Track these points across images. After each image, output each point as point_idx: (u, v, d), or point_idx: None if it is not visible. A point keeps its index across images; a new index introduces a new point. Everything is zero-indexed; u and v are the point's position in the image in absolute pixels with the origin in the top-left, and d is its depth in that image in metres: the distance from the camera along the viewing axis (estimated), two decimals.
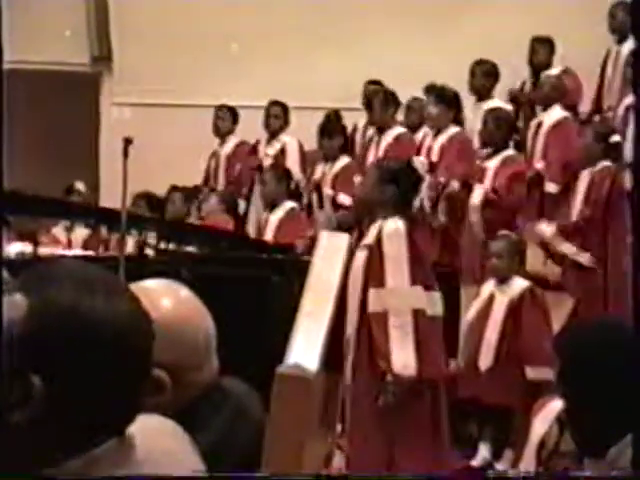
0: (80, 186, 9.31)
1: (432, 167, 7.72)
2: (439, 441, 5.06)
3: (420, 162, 5.37)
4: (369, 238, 5.00)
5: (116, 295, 1.47)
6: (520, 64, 9.36)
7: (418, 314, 4.85)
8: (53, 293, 1.42)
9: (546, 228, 7.02)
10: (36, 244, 7.57)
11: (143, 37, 10.26)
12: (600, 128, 7.24)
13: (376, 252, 4.92)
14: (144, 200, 8.50)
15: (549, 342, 5.90)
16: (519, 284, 6.18)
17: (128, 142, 5.84)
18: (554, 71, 8.96)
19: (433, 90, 8.29)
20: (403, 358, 4.78)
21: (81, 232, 8.79)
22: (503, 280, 6.20)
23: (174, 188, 8.69)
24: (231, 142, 9.30)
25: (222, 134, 9.32)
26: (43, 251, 7.44)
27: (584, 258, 6.81)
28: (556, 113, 8.32)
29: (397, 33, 10.22)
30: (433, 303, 4.95)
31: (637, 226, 2.60)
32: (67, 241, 8.84)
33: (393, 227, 4.94)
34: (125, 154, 5.81)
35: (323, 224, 7.32)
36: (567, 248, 6.87)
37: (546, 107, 8.39)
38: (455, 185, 7.64)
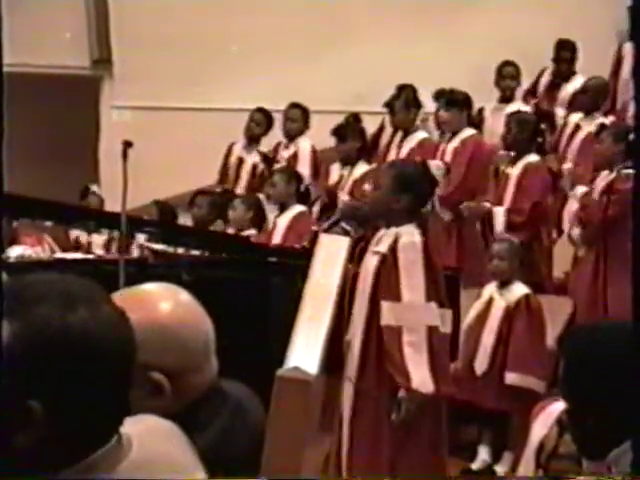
0: (95, 188, 9.33)
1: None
2: (439, 453, 5.04)
3: (436, 166, 5.27)
4: (382, 246, 4.89)
5: (98, 305, 1.47)
6: (521, 65, 9.36)
7: (432, 331, 4.77)
8: (36, 314, 1.42)
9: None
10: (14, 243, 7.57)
11: (143, 40, 10.26)
12: (617, 130, 7.14)
13: (390, 263, 4.82)
14: (156, 207, 8.48)
15: (535, 352, 5.96)
16: (518, 290, 6.18)
17: (128, 145, 5.84)
18: (579, 80, 8.90)
19: (443, 95, 8.26)
20: (420, 375, 4.72)
21: (99, 236, 8.77)
22: (504, 283, 6.21)
23: (200, 192, 8.54)
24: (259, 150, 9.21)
25: (254, 138, 9.17)
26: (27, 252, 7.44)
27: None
28: (596, 120, 8.23)
29: (400, 35, 10.22)
30: (444, 320, 4.88)
31: (637, 227, 2.60)
32: (87, 244, 8.81)
33: (410, 240, 4.83)
34: (125, 157, 5.82)
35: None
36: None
37: (588, 112, 8.31)
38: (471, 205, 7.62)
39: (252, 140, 9.15)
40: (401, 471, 4.87)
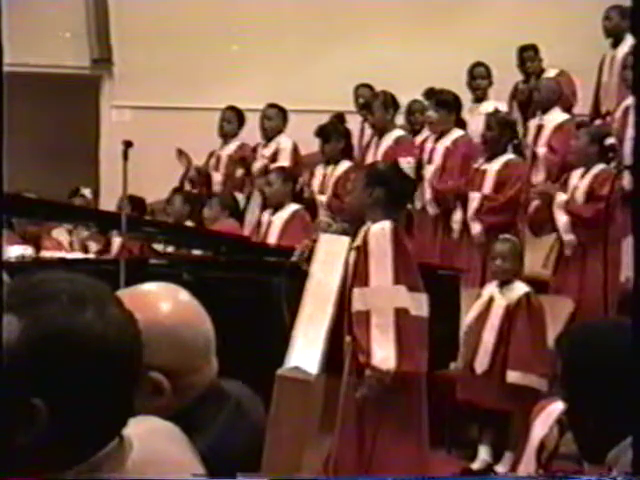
0: (86, 192, 9.34)
1: (421, 167, 7.82)
2: (418, 440, 5.07)
3: (407, 162, 5.38)
4: (358, 240, 5.02)
5: (106, 306, 1.47)
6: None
7: (400, 313, 4.87)
8: (45, 313, 1.42)
9: (561, 196, 7.01)
10: (39, 247, 7.60)
11: (143, 40, 10.26)
12: (595, 130, 7.26)
13: (362, 252, 4.95)
14: (127, 201, 8.53)
15: (537, 350, 5.96)
16: (519, 289, 6.17)
17: (128, 145, 5.84)
18: (551, 74, 8.98)
19: (433, 94, 8.31)
20: (382, 353, 4.82)
21: (83, 234, 8.80)
22: (505, 283, 6.20)
23: (176, 190, 8.72)
24: (233, 144, 9.28)
25: (227, 136, 9.27)
26: (45, 254, 7.48)
27: (568, 237, 6.86)
28: (557, 116, 8.33)
29: (398, 35, 10.23)
30: (418, 304, 4.96)
31: (637, 227, 2.59)
32: (69, 243, 8.84)
33: (379, 227, 4.97)
34: (125, 157, 5.82)
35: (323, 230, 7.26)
36: (562, 219, 6.90)
37: (545, 110, 8.40)
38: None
39: (226, 138, 9.23)
40: (379, 460, 4.92)
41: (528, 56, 9.24)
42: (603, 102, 8.88)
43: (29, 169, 9.65)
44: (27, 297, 1.44)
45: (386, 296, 4.88)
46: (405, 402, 5.00)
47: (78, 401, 1.42)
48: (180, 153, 9.12)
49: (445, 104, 8.01)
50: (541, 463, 2.88)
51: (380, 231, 4.95)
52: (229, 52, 10.42)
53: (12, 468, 1.41)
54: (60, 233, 8.80)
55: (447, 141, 8.00)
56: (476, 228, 7.37)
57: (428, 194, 7.86)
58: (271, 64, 10.15)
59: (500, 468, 6.06)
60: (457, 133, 8.03)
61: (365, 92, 9.26)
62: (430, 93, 8.48)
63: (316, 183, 8.48)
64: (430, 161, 7.99)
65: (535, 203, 7.26)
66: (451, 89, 8.19)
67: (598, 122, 8.62)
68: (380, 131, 8.41)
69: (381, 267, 4.88)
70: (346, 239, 4.94)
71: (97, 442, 1.46)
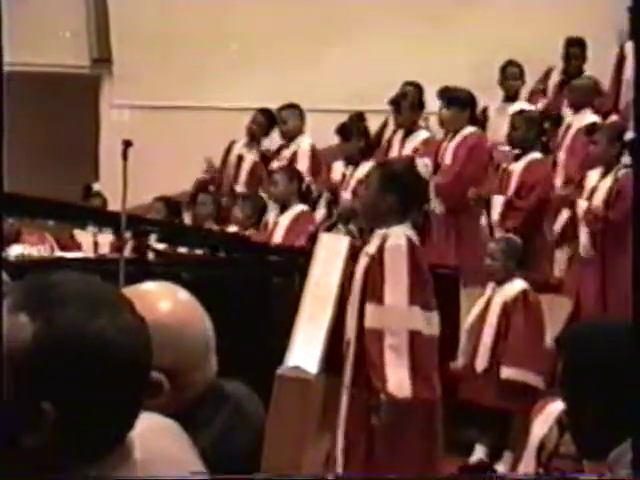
0: (97, 187, 9.33)
1: (438, 167, 7.76)
2: (431, 455, 5.00)
3: (424, 164, 5.25)
4: (371, 247, 4.89)
5: (119, 312, 1.47)
6: (525, 64, 9.36)
7: (414, 335, 4.74)
8: (59, 316, 1.41)
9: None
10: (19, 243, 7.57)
11: (143, 39, 10.26)
12: (611, 130, 7.19)
13: (377, 265, 4.81)
14: (162, 203, 8.47)
15: (533, 347, 5.96)
16: (515, 286, 6.18)
17: (127, 144, 5.84)
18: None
19: (446, 93, 8.25)
20: (398, 379, 4.68)
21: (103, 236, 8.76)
22: (501, 282, 6.21)
23: (201, 190, 8.60)
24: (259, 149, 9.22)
25: (253, 137, 9.17)
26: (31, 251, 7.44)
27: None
28: (586, 117, 8.27)
29: (400, 34, 10.22)
30: (430, 323, 4.84)
31: (637, 227, 2.59)
32: (94, 244, 8.79)
33: (396, 243, 4.81)
34: (124, 156, 5.81)
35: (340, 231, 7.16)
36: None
37: (577, 110, 8.34)
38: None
39: (253, 139, 9.16)
40: (391, 472, 4.85)
41: (573, 52, 9.16)
42: (625, 98, 8.80)
43: (28, 169, 9.64)
44: (42, 298, 1.43)
45: (400, 317, 4.75)
46: (423, 423, 4.91)
47: (86, 406, 1.42)
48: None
49: (456, 101, 7.96)
50: (541, 463, 2.88)
51: (397, 247, 4.78)
52: (229, 52, 10.42)
53: (18, 470, 1.42)
54: (81, 233, 8.75)
55: (458, 138, 7.95)
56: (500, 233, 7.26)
57: (432, 193, 7.74)
58: (271, 64, 10.14)
59: (500, 468, 6.06)
60: (467, 130, 7.98)
61: (411, 90, 9.09)
62: (444, 91, 8.43)
63: (335, 181, 8.39)
64: (438, 167, 7.91)
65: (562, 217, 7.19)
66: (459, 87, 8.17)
67: (614, 117, 8.54)
68: (406, 131, 8.33)
69: (397, 286, 4.74)
70: (346, 239, 4.92)
71: (103, 447, 1.46)
